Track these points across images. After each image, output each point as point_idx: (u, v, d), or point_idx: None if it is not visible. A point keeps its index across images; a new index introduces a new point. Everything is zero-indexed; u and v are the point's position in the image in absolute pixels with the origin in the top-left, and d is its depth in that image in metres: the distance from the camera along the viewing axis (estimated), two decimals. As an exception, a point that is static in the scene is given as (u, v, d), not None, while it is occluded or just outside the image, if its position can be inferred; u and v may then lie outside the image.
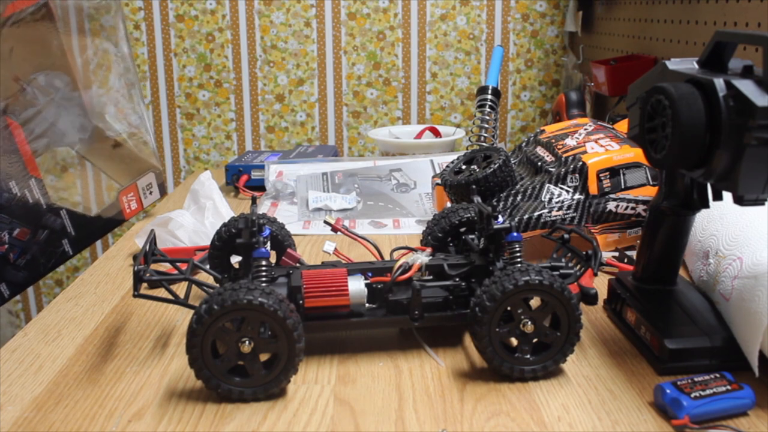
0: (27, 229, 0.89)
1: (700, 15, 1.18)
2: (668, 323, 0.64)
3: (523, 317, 0.60)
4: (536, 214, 0.86)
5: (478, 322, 0.60)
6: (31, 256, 0.91)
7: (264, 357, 0.59)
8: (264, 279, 0.64)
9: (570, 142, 0.93)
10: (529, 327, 0.60)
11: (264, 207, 1.15)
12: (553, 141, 0.95)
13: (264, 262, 0.65)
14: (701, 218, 0.77)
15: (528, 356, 0.61)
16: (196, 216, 0.96)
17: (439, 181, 1.01)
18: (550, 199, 0.87)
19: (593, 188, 0.87)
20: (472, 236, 0.73)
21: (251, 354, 0.58)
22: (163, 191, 1.16)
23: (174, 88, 1.90)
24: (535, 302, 0.61)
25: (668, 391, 0.55)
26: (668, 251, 0.69)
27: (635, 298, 0.69)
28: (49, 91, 0.94)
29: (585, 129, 0.96)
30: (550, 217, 0.86)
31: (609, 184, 0.87)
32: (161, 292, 0.76)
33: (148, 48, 1.87)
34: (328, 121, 1.92)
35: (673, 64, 0.62)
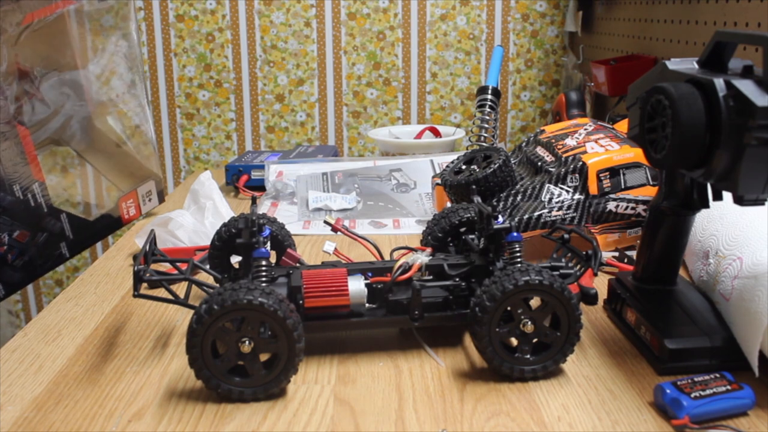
0: (27, 232, 0.90)
1: (700, 15, 1.18)
2: (668, 323, 0.64)
3: (523, 317, 0.60)
4: (536, 214, 0.86)
5: (478, 322, 0.60)
6: (29, 258, 0.91)
7: (264, 357, 0.59)
8: (264, 279, 0.64)
9: (570, 142, 0.93)
10: (529, 327, 0.60)
11: (264, 207, 1.15)
12: (553, 141, 0.95)
13: (264, 262, 0.65)
14: (701, 218, 0.77)
15: (528, 356, 0.61)
16: (196, 216, 0.96)
17: (439, 181, 1.01)
18: (550, 199, 0.87)
19: (593, 188, 0.87)
20: (472, 236, 0.73)
21: (251, 354, 0.58)
22: (161, 199, 1.16)
23: (174, 88, 1.90)
24: (535, 302, 0.61)
25: (668, 391, 0.55)
26: (668, 251, 0.69)
27: (635, 298, 0.69)
28: (60, 97, 0.94)
29: (585, 129, 0.96)
30: (550, 217, 0.86)
31: (609, 184, 0.87)
32: (161, 292, 0.76)
33: (148, 48, 1.87)
34: (328, 121, 1.92)
35: (673, 64, 0.62)
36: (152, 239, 0.70)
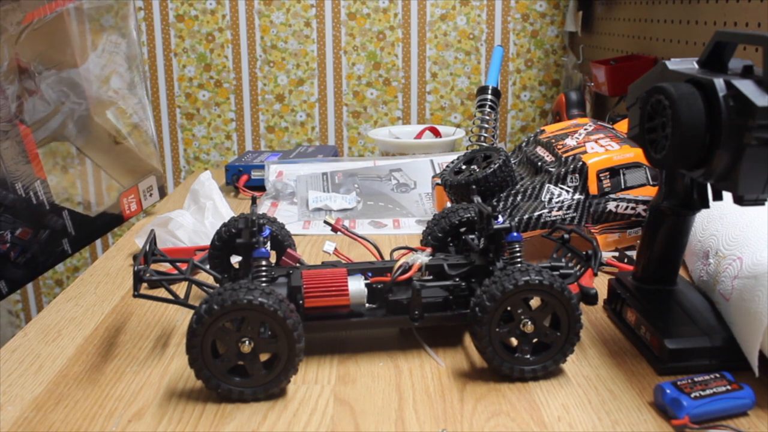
0: (29, 229, 0.90)
1: (700, 15, 1.18)
2: (668, 323, 0.64)
3: (523, 317, 0.60)
4: (536, 214, 0.86)
5: (478, 322, 0.60)
6: (31, 255, 0.92)
7: (264, 357, 0.59)
8: (264, 279, 0.64)
9: (570, 142, 0.93)
10: (529, 327, 0.60)
11: (264, 207, 1.15)
12: (553, 141, 0.95)
13: (264, 262, 0.65)
14: (701, 218, 0.77)
15: (528, 356, 0.61)
16: (196, 216, 0.96)
17: (439, 181, 1.01)
18: (550, 199, 0.87)
19: (593, 188, 0.87)
20: (472, 236, 0.73)
21: (251, 354, 0.58)
22: (162, 194, 1.16)
23: (174, 88, 1.90)
24: (535, 302, 0.61)
25: (668, 391, 0.55)
26: (668, 251, 0.69)
27: (635, 298, 0.69)
28: (60, 95, 0.95)
29: (585, 129, 0.96)
30: (550, 217, 0.86)
31: (609, 184, 0.87)
32: (161, 292, 0.76)
33: (148, 48, 1.87)
34: (328, 121, 1.92)
35: (673, 64, 0.62)
36: (152, 239, 0.70)
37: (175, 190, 1.35)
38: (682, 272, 0.74)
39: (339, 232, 0.75)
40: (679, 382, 0.56)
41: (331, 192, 1.18)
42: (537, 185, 0.89)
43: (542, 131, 1.00)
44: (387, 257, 0.76)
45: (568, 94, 1.38)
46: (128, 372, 0.64)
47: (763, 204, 0.55)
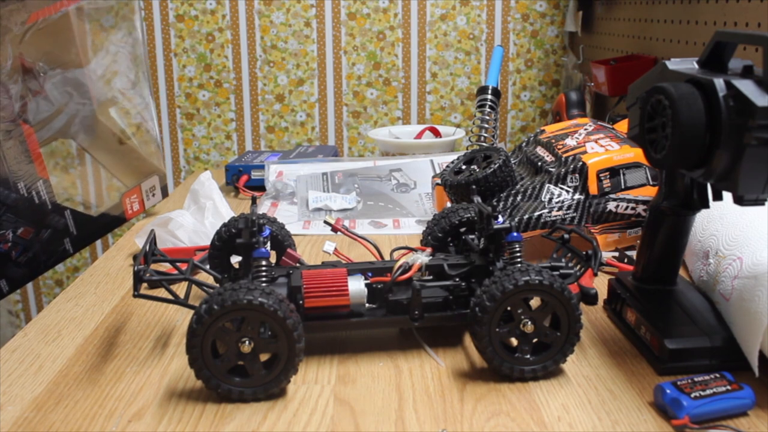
0: (31, 228, 0.90)
1: (700, 15, 1.18)
2: (668, 323, 0.64)
3: (523, 317, 0.60)
4: (536, 214, 0.86)
5: (478, 322, 0.60)
6: (32, 254, 0.92)
7: (264, 357, 0.59)
8: (264, 279, 0.64)
9: (570, 142, 0.93)
10: (529, 327, 0.60)
11: (264, 207, 1.15)
12: (553, 141, 0.95)
13: (264, 262, 0.65)
14: (701, 218, 0.77)
15: (528, 356, 0.61)
16: (196, 216, 0.96)
17: (439, 181, 1.01)
18: (550, 199, 0.87)
19: (593, 188, 0.87)
20: (472, 236, 0.73)
21: (251, 354, 0.58)
22: (165, 194, 1.16)
23: (174, 88, 1.90)
24: (535, 302, 0.61)
25: (668, 391, 0.55)
26: (668, 251, 0.69)
27: (635, 298, 0.69)
28: (64, 95, 0.95)
29: (585, 129, 0.96)
30: (550, 217, 0.86)
31: (609, 184, 0.87)
32: (161, 292, 0.76)
33: (148, 48, 1.87)
34: (328, 121, 1.92)
35: (673, 64, 0.62)
36: (152, 239, 0.70)
37: (175, 190, 1.35)
38: (682, 272, 0.74)
39: (339, 232, 0.75)
40: (679, 382, 0.56)
41: (331, 192, 1.18)
42: (537, 185, 0.89)
43: (542, 131, 1.00)
44: (387, 257, 0.76)
45: (568, 94, 1.38)
46: (128, 372, 0.64)
47: (763, 204, 0.55)
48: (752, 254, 0.64)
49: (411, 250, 0.73)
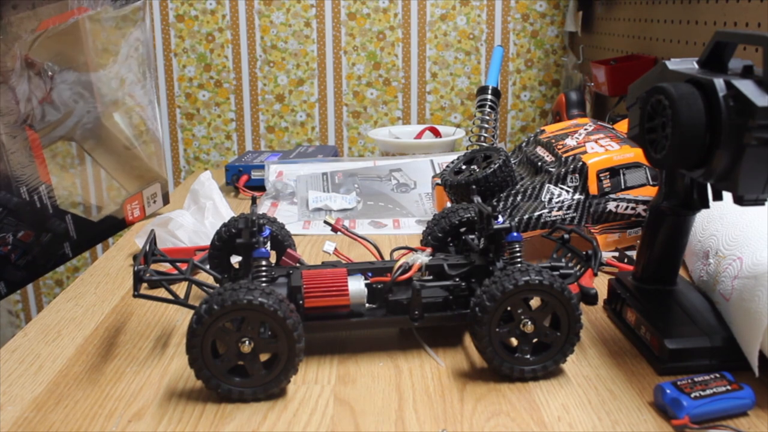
0: (31, 232, 0.91)
1: (700, 15, 1.18)
2: (668, 323, 0.64)
3: (523, 317, 0.60)
4: (536, 214, 0.86)
5: (478, 322, 0.60)
6: (32, 257, 0.92)
7: (264, 357, 0.59)
8: (264, 279, 0.64)
9: (570, 142, 0.93)
10: (529, 327, 0.60)
11: (264, 207, 1.15)
12: (553, 141, 0.95)
13: (264, 262, 0.65)
14: (701, 218, 0.77)
15: (528, 356, 0.61)
16: (196, 216, 0.96)
17: (439, 181, 1.01)
18: (550, 199, 0.87)
19: (593, 188, 0.87)
20: (472, 236, 0.73)
21: (251, 354, 0.58)
22: (166, 201, 1.16)
23: (174, 88, 1.90)
24: (535, 302, 0.61)
25: (668, 391, 0.55)
26: (668, 251, 0.69)
27: (635, 298, 0.69)
28: (71, 101, 0.95)
29: (585, 129, 0.96)
30: (550, 217, 0.86)
31: (609, 184, 0.87)
32: (161, 292, 0.76)
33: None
34: (328, 121, 1.92)
35: (673, 64, 0.62)
36: (152, 239, 0.70)
37: (175, 190, 1.35)
38: (682, 272, 0.75)
39: (339, 232, 0.75)
40: (679, 382, 0.56)
41: (331, 192, 1.18)
42: (537, 185, 0.89)
43: (542, 131, 1.00)
44: (387, 257, 0.76)
45: (568, 94, 1.38)
46: (128, 372, 0.64)
47: (763, 204, 0.55)
48: (752, 254, 0.64)
49: (411, 250, 0.73)
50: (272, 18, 1.86)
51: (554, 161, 0.91)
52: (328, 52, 1.88)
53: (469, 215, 0.77)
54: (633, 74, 1.33)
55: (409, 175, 1.22)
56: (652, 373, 0.62)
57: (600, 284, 0.81)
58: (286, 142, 1.93)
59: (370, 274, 0.68)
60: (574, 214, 0.87)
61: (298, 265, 0.70)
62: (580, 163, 0.88)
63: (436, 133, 1.50)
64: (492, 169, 0.88)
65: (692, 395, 0.54)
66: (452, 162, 0.96)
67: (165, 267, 0.89)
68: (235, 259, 0.75)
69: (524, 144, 1.02)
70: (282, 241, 0.77)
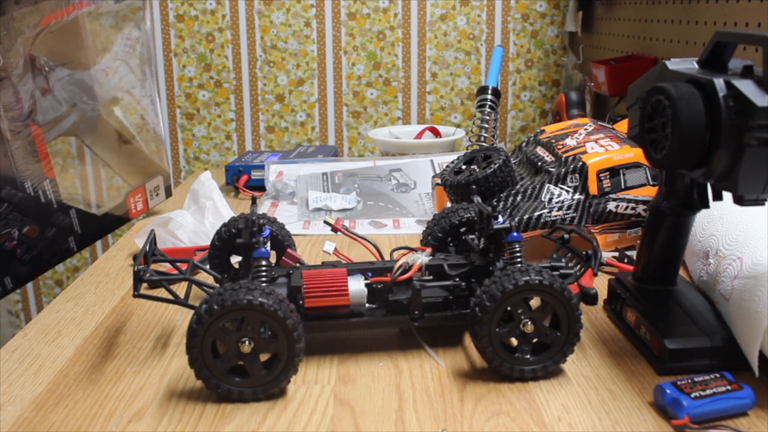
0: (36, 227, 0.91)
1: (700, 15, 1.18)
2: (668, 323, 0.64)
3: (523, 317, 0.60)
4: (536, 214, 0.86)
5: (478, 322, 0.60)
6: (37, 252, 0.92)
7: (264, 357, 0.59)
8: (264, 279, 0.64)
9: (570, 142, 0.93)
10: (529, 327, 0.60)
11: (264, 207, 1.15)
12: (553, 141, 0.95)
13: (264, 262, 0.65)
14: (701, 218, 0.77)
15: (528, 356, 0.61)
16: (196, 216, 0.96)
17: (439, 181, 1.01)
18: (550, 199, 0.87)
19: (593, 188, 0.87)
20: (472, 236, 0.73)
21: (251, 354, 0.58)
22: (168, 193, 1.17)
23: (174, 88, 1.90)
24: (535, 302, 0.61)
25: (668, 391, 0.55)
26: (668, 251, 0.69)
27: (635, 298, 0.69)
28: (72, 95, 0.95)
29: (585, 129, 0.96)
30: (550, 217, 0.86)
31: (609, 184, 0.87)
32: (161, 292, 0.76)
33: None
34: (328, 121, 1.92)
35: (673, 64, 0.62)
36: (152, 239, 0.70)
37: (175, 190, 1.35)
38: (682, 272, 0.74)
39: (339, 232, 0.75)
40: (679, 382, 0.56)
41: (331, 192, 1.18)
42: (537, 185, 0.89)
43: (542, 131, 1.00)
44: (387, 257, 0.76)
45: (568, 94, 1.38)
46: (128, 372, 0.64)
47: (763, 204, 0.55)
48: (752, 254, 0.64)
49: (411, 250, 0.73)
50: (272, 18, 1.86)
51: (554, 161, 0.91)
52: (328, 52, 1.88)
53: (469, 215, 0.77)
54: (633, 74, 1.33)
55: (409, 175, 1.22)
56: (652, 373, 0.62)
57: (600, 284, 0.81)
58: (286, 142, 1.93)
59: (370, 274, 0.68)
60: (574, 214, 0.87)
61: (298, 265, 0.70)
62: (580, 163, 0.88)
63: (436, 133, 1.50)
64: (492, 169, 0.88)
65: (692, 395, 0.54)
66: (452, 162, 0.96)
67: (165, 267, 0.89)
68: (235, 259, 0.75)
69: (524, 144, 1.02)
70: (282, 241, 0.77)
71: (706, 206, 0.64)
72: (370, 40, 1.87)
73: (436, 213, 0.80)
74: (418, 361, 0.65)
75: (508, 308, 0.60)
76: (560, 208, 0.87)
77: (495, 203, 0.88)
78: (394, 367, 0.64)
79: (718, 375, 0.57)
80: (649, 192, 0.88)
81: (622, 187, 0.88)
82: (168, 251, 0.89)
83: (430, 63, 1.89)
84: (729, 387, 0.55)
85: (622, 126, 1.01)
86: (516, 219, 0.85)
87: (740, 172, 0.53)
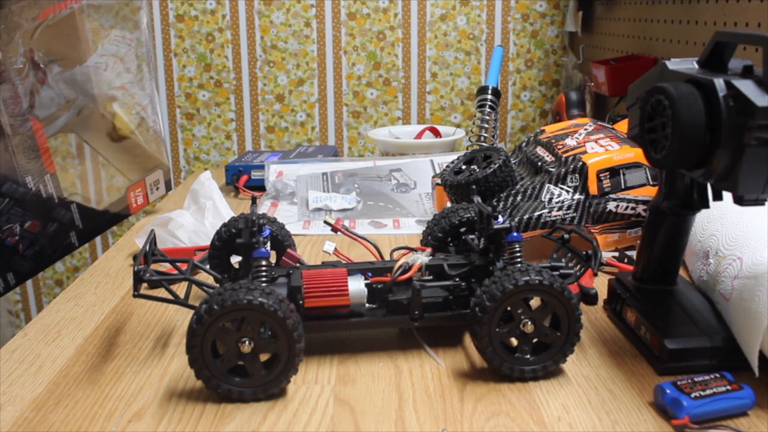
0: (38, 222, 0.91)
1: (700, 15, 1.18)
2: (668, 323, 0.64)
3: (523, 317, 0.60)
4: (536, 214, 0.86)
5: (478, 322, 0.60)
6: (39, 248, 0.92)
7: (264, 357, 0.59)
8: (264, 279, 0.64)
9: (570, 142, 0.93)
10: (529, 327, 0.60)
11: (264, 207, 1.15)
12: (553, 141, 0.95)
13: (264, 262, 0.65)
14: (701, 218, 0.77)
15: (528, 356, 0.61)
16: (196, 216, 0.96)
17: (439, 181, 1.01)
18: (550, 199, 0.87)
19: (593, 188, 0.87)
20: (472, 236, 0.73)
21: (251, 354, 0.58)
22: (168, 187, 1.17)
23: (174, 88, 1.90)
24: (535, 302, 0.61)
25: (668, 391, 0.55)
26: (668, 251, 0.69)
27: (635, 298, 0.69)
28: (71, 90, 0.95)
29: (585, 129, 0.96)
30: (550, 217, 0.86)
31: (609, 184, 0.87)
32: (161, 292, 0.76)
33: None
34: (328, 121, 1.92)
35: (673, 64, 0.62)
36: (152, 239, 0.70)
37: (175, 190, 1.35)
38: (682, 272, 0.74)
39: (339, 232, 0.75)
40: (679, 382, 0.56)
41: (331, 192, 1.18)
42: (537, 185, 0.89)
43: (542, 131, 1.00)
44: (387, 257, 0.76)
45: (568, 94, 1.38)
46: (128, 372, 0.64)
47: (763, 204, 0.55)
48: (752, 254, 0.64)
49: (411, 250, 0.73)
50: (272, 18, 1.86)
51: (554, 161, 0.91)
52: (328, 52, 1.88)
53: (469, 215, 0.77)
54: (633, 74, 1.33)
55: (409, 175, 1.22)
56: (652, 373, 0.62)
57: (600, 284, 0.81)
58: (286, 142, 1.93)
59: (370, 274, 0.68)
60: (574, 214, 0.87)
61: (298, 265, 0.70)
62: (580, 163, 0.88)
63: (436, 133, 1.50)
64: (492, 169, 0.88)
65: (692, 395, 0.54)
66: (452, 162, 0.96)
67: (165, 267, 0.89)
68: (235, 259, 0.75)
69: (524, 144, 1.02)
70: (282, 241, 0.77)
71: (706, 206, 0.64)
72: (370, 40, 1.87)
73: (436, 213, 0.80)
74: (418, 361, 0.65)
75: (508, 308, 0.60)
76: (560, 208, 0.87)
77: (495, 203, 0.88)
78: (394, 367, 0.64)
79: (718, 375, 0.57)
80: (649, 192, 0.88)
81: (622, 187, 0.88)
82: (168, 251, 0.89)
83: (430, 63, 1.89)
84: (729, 387, 0.55)
85: (622, 126, 1.01)
86: (516, 219, 0.85)
87: (740, 172, 0.53)
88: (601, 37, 1.66)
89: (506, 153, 0.91)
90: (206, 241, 0.92)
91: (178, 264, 0.69)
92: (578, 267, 0.69)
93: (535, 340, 0.61)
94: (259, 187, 1.27)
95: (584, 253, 0.68)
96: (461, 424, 0.55)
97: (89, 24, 0.99)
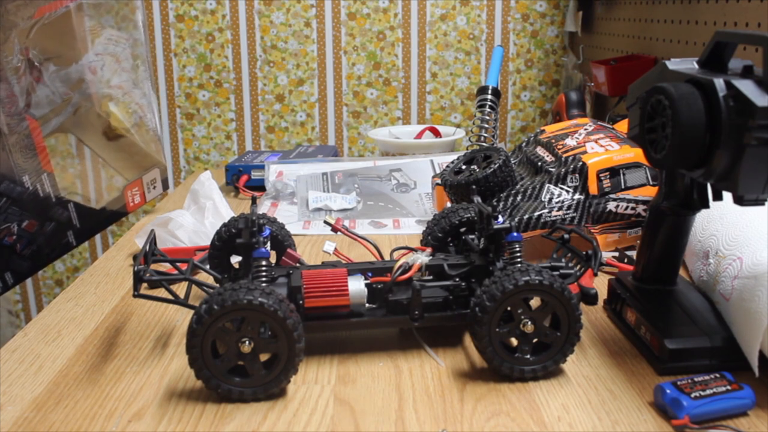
0: (35, 221, 0.91)
1: (700, 15, 1.18)
2: (668, 323, 0.64)
3: (523, 317, 0.60)
4: (536, 214, 0.86)
5: (478, 322, 0.60)
6: (37, 247, 0.92)
7: (264, 357, 0.59)
8: (264, 279, 0.64)
9: (570, 142, 0.93)
10: (529, 327, 0.60)
11: (264, 207, 1.15)
12: (553, 141, 0.95)
13: (264, 262, 0.65)
14: (701, 218, 0.77)
15: (528, 356, 0.61)
16: (196, 216, 0.96)
17: (439, 181, 1.01)
18: (550, 199, 0.87)
19: (593, 188, 0.87)
20: (472, 236, 0.73)
21: (251, 354, 0.58)
22: (165, 186, 1.17)
23: (174, 88, 1.90)
24: (535, 302, 0.61)
25: (668, 391, 0.55)
26: (668, 251, 0.69)
27: (635, 298, 0.69)
28: (67, 89, 0.95)
29: (585, 129, 0.96)
30: (550, 217, 0.86)
31: (609, 184, 0.87)
32: (161, 292, 0.76)
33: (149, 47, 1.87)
34: (328, 121, 1.92)
35: (673, 64, 0.62)
36: (152, 239, 0.70)
37: (175, 190, 1.35)
38: (682, 272, 0.74)
39: (339, 232, 0.75)
40: (679, 382, 0.56)
41: (331, 192, 1.18)
42: (537, 185, 0.89)
43: (542, 131, 1.00)
44: (387, 257, 0.76)
45: (568, 94, 1.38)
46: (128, 372, 0.64)
47: (763, 204, 0.55)
48: (752, 254, 0.64)
49: (411, 250, 0.73)
50: (272, 18, 1.86)
51: (554, 161, 0.91)
52: (328, 52, 1.88)
53: (469, 215, 0.77)
54: (633, 74, 1.33)
55: (409, 175, 1.22)
56: (652, 373, 0.62)
57: (600, 284, 0.81)
58: (286, 142, 1.93)
59: (370, 274, 0.68)
60: (574, 214, 0.87)
61: (298, 265, 0.70)
62: (580, 163, 0.88)
63: (436, 133, 1.50)
64: (492, 169, 0.88)
65: (692, 395, 0.54)
66: (452, 162, 0.96)
67: (165, 267, 0.89)
68: (235, 259, 0.75)
69: (524, 144, 1.02)
70: (282, 241, 0.77)
71: (706, 206, 0.64)
72: (370, 40, 1.87)
73: (436, 213, 0.80)
74: (418, 361, 0.65)
75: (508, 308, 0.60)
76: (560, 208, 0.87)
77: (495, 203, 0.88)
78: (394, 367, 0.64)
79: (718, 375, 0.57)
80: (649, 192, 0.88)
81: (622, 187, 0.88)
82: (168, 251, 0.89)
83: (430, 63, 1.89)
84: (729, 387, 0.55)
85: (622, 126, 1.01)
86: (516, 219, 0.85)
87: (740, 172, 0.53)
88: (601, 37, 1.66)
89: (506, 153, 0.91)
90: (206, 241, 0.92)
91: (178, 264, 0.69)
92: (578, 267, 0.69)
93: (535, 340, 0.61)
94: (259, 187, 1.27)
95: (584, 253, 0.68)
96: (461, 424, 0.55)
97: (87, 23, 0.99)
